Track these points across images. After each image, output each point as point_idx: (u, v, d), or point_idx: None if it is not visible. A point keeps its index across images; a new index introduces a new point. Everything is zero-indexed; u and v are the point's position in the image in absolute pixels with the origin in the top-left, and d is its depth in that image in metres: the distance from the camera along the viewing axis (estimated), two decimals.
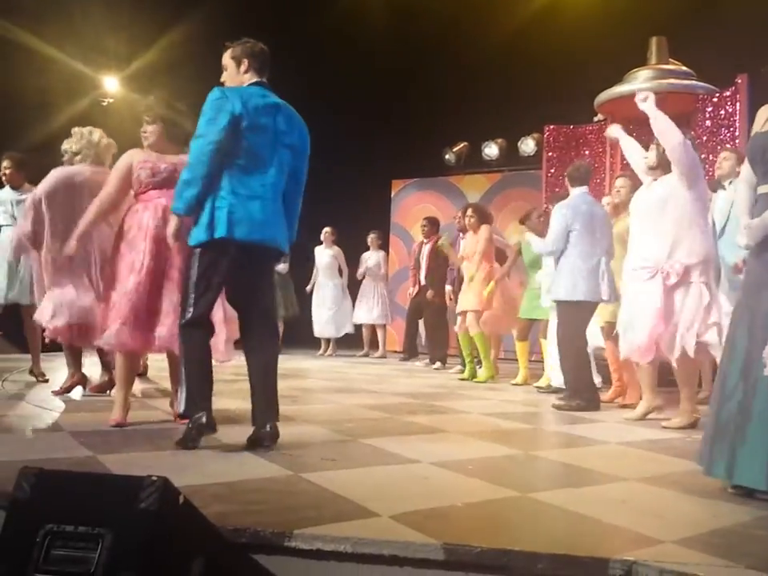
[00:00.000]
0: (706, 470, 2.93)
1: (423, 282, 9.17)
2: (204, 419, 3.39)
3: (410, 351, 9.89)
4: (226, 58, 3.69)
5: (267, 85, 3.68)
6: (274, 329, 3.77)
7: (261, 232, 3.49)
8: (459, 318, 7.49)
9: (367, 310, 10.37)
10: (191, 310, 3.47)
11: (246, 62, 3.66)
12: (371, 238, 10.56)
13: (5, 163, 6.14)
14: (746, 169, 3.22)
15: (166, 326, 3.89)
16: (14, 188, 6.18)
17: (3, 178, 6.19)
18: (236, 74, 3.68)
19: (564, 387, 5.71)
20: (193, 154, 3.45)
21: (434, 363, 8.88)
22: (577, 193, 5.61)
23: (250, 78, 3.65)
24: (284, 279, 10.30)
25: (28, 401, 4.99)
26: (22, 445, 3.40)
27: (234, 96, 3.47)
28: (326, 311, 10.45)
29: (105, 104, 10.05)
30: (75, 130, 5.14)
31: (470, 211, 7.66)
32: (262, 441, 3.47)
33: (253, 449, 3.44)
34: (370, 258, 10.50)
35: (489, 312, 7.27)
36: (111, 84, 10.21)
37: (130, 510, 1.69)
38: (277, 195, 3.59)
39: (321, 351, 10.54)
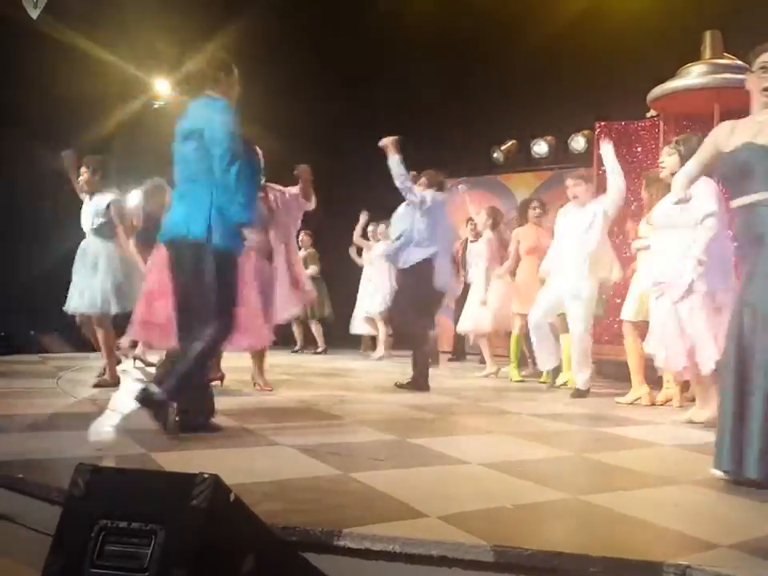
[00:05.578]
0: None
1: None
2: None
3: (457, 353, 9.85)
4: None
5: None
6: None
7: (170, 230, 3.76)
8: (518, 319, 7.37)
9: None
10: None
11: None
12: None
13: (82, 168, 5.81)
14: (707, 153, 3.19)
15: None
16: (91, 194, 5.80)
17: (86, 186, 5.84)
18: None
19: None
20: None
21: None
22: None
23: None
24: (313, 280, 10.30)
25: (82, 399, 5.09)
26: (77, 442, 3.46)
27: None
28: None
29: (156, 107, 10.21)
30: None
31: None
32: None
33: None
34: None
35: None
36: (162, 87, 10.37)
37: (182, 507, 1.72)
38: (186, 187, 3.74)
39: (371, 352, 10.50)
